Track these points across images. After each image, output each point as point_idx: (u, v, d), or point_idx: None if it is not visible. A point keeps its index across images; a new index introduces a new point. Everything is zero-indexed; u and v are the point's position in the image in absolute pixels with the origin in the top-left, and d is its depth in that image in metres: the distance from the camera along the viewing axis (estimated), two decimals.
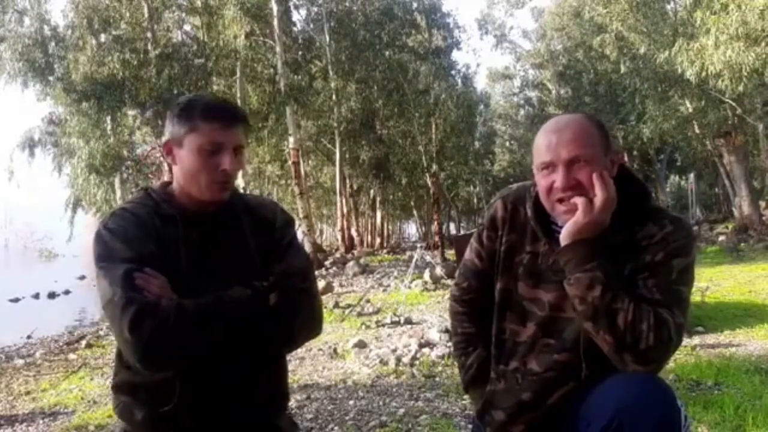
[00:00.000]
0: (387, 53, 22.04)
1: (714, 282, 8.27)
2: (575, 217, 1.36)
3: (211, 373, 1.40)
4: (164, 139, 1.50)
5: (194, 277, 1.41)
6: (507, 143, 39.25)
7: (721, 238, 18.38)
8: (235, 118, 1.46)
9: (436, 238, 21.45)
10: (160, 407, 1.39)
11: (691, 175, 30.13)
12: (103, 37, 17.52)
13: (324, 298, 9.12)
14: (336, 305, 8.12)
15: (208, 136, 1.42)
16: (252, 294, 1.41)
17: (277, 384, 1.57)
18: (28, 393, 4.36)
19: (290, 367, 1.71)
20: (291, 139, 18.58)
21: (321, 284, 10.19)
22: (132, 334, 1.28)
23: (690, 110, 19.20)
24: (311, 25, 22.52)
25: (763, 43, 13.54)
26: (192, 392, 1.40)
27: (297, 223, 1.83)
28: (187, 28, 20.54)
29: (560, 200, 1.39)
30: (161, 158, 15.55)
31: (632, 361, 1.29)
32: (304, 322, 1.51)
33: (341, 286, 11.78)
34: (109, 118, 17.67)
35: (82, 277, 18.89)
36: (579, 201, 1.35)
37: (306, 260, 1.59)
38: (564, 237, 1.37)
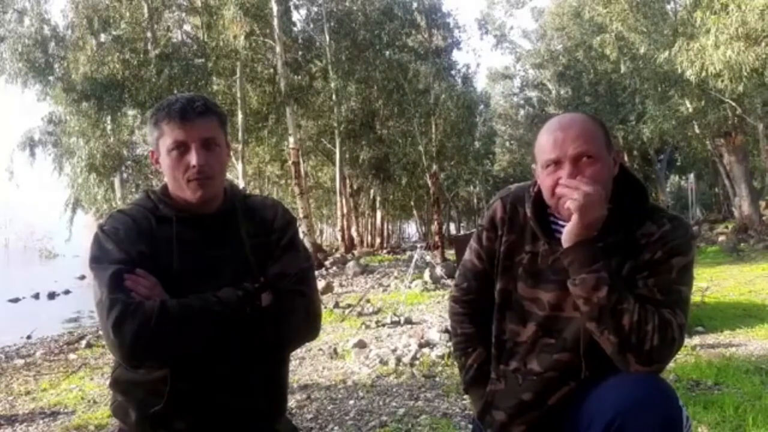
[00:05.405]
0: (387, 53, 22.02)
1: (714, 282, 8.26)
2: (573, 218, 1.35)
3: (203, 375, 1.39)
4: (149, 148, 1.53)
5: (187, 278, 1.41)
6: (507, 143, 39.23)
7: (721, 238, 18.36)
8: (194, 113, 1.43)
9: (436, 238, 21.41)
10: (151, 408, 1.39)
11: (691, 175, 30.11)
12: (103, 37, 17.55)
13: (324, 298, 9.13)
14: (336, 305, 8.12)
15: (171, 136, 1.43)
16: (241, 295, 1.39)
17: (274, 388, 1.54)
18: (28, 393, 4.35)
19: (290, 368, 1.68)
20: (291, 139, 18.57)
21: (321, 284, 10.20)
22: (115, 333, 1.30)
23: (690, 110, 19.17)
24: (311, 25, 22.52)
25: (763, 43, 13.53)
26: (184, 394, 1.39)
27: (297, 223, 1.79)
28: (187, 28, 20.56)
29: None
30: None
31: (635, 361, 1.29)
32: (297, 325, 1.48)
33: (341, 286, 11.78)
34: (109, 118, 17.68)
35: (82, 277, 18.86)
36: (572, 205, 1.34)
37: (305, 262, 1.56)
38: (566, 238, 1.37)
